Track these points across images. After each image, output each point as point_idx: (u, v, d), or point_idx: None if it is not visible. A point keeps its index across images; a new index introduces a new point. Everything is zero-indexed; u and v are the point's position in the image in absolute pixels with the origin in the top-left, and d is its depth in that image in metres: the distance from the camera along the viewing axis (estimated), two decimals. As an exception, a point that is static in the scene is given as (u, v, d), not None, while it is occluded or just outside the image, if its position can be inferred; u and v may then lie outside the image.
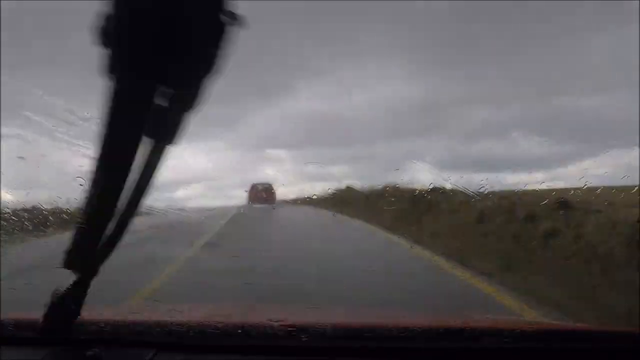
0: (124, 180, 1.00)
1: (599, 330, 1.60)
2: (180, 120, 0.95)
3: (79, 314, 1.37)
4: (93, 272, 1.25)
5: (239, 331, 1.52)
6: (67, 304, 1.32)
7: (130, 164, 0.98)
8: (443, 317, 1.53)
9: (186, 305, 1.98)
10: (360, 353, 1.47)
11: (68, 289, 1.29)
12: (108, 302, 1.83)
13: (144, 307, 1.78)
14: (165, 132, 0.96)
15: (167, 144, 0.99)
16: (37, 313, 1.56)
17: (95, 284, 1.27)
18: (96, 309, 1.63)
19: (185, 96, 0.91)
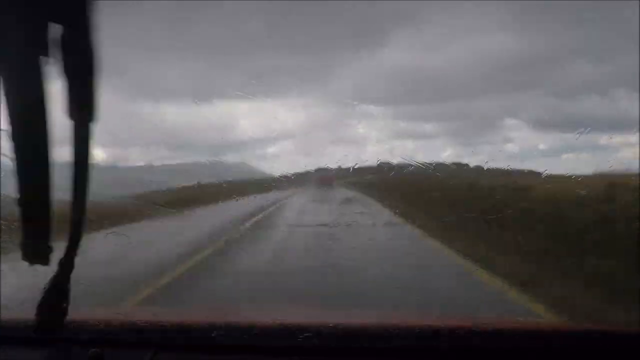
0: (46, 164, 0.97)
1: (599, 330, 1.61)
2: (87, 94, 0.94)
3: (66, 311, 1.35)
4: (68, 265, 1.20)
5: (239, 331, 1.52)
6: (57, 301, 1.31)
7: (46, 144, 0.95)
8: (443, 318, 1.53)
9: (186, 305, 1.99)
10: (360, 353, 1.47)
11: (53, 285, 1.24)
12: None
13: (144, 308, 1.79)
14: (77, 109, 0.95)
15: (87, 121, 0.97)
16: (37, 313, 1.57)
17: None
18: (96, 309, 1.64)
19: (80, 65, 0.91)
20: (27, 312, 1.67)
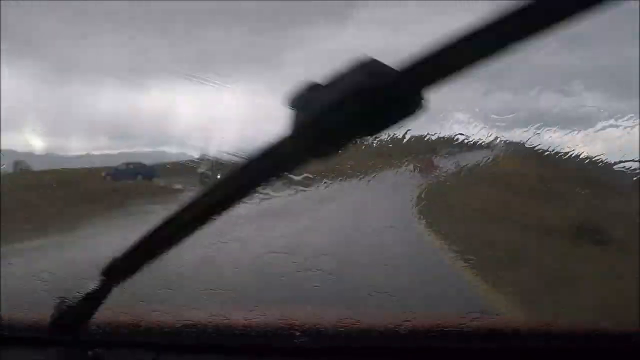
0: None
1: (600, 330, 1.60)
2: None
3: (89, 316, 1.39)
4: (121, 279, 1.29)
5: (241, 333, 1.52)
6: (77, 306, 1.34)
7: None
8: (443, 318, 1.53)
9: (187, 306, 1.99)
10: (360, 353, 1.47)
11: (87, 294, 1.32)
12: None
13: (146, 309, 1.79)
14: None
15: None
16: (38, 313, 1.57)
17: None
18: (97, 309, 1.64)
19: None
20: (27, 312, 1.68)
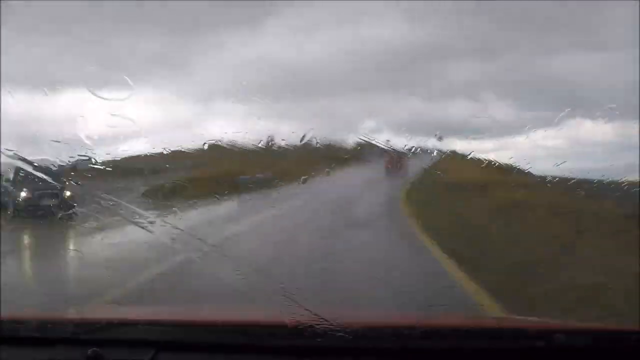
0: None
1: (599, 330, 1.69)
2: None
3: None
4: None
5: (239, 331, 1.56)
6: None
7: None
8: (443, 318, 1.58)
9: (186, 305, 1.97)
10: (361, 353, 1.52)
11: None
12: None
13: (145, 308, 1.76)
14: None
15: None
16: (37, 313, 1.51)
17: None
18: (97, 308, 1.60)
19: None
20: (27, 312, 1.60)
